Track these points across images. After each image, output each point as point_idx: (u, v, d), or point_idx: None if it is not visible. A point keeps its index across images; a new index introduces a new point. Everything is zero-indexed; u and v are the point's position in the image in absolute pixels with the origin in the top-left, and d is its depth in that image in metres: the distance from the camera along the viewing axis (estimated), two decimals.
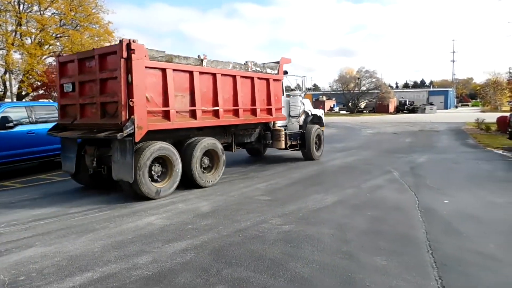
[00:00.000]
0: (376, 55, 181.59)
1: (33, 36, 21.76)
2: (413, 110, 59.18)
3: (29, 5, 21.56)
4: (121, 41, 6.81)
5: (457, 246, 4.60)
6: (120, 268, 4.13)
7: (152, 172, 7.23)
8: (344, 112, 60.75)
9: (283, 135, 10.95)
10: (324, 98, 66.35)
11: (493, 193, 7.24)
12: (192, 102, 8.06)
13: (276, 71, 10.71)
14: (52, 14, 23.05)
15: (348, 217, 5.87)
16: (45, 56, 22.83)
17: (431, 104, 62.76)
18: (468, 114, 43.01)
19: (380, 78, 60.05)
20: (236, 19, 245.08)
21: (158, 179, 7.39)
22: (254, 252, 4.51)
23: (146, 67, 6.99)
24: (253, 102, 9.78)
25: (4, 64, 20.31)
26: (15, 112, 10.20)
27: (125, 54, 6.67)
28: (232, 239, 4.97)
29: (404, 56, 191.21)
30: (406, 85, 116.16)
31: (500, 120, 20.42)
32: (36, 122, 10.46)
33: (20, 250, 4.73)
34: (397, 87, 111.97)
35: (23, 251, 4.68)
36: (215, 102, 8.62)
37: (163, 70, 7.41)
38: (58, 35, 23.17)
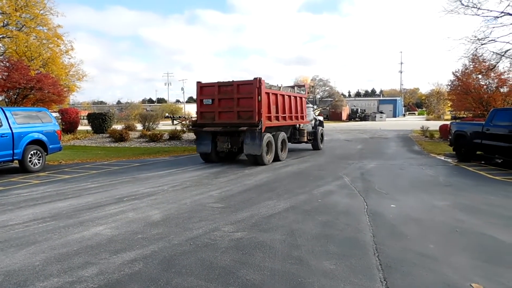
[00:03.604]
0: (332, 64, 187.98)
1: None
2: (364, 118, 61.67)
3: None
4: (255, 78, 12.20)
5: (401, 248, 4.82)
6: (63, 282, 3.92)
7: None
8: None
9: (306, 133, 16.60)
10: None
11: (434, 197, 7.68)
12: (277, 111, 13.53)
13: (304, 92, 16.67)
14: None
15: (300, 222, 5.97)
16: None
17: (381, 113, 65.81)
18: (414, 122, 45.45)
19: (333, 86, 62.26)
20: (197, 25, 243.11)
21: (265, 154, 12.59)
22: (205, 260, 4.46)
23: (265, 92, 12.48)
24: (296, 111, 15.33)
25: None
26: None
27: (258, 85, 12.20)
28: (183, 247, 4.89)
29: (357, 65, 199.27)
30: (358, 94, 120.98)
31: (443, 128, 21.84)
32: None
33: None
34: (349, 95, 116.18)
35: None
36: (284, 111, 14.11)
37: (268, 93, 12.84)
38: (1, 36, 21.85)
